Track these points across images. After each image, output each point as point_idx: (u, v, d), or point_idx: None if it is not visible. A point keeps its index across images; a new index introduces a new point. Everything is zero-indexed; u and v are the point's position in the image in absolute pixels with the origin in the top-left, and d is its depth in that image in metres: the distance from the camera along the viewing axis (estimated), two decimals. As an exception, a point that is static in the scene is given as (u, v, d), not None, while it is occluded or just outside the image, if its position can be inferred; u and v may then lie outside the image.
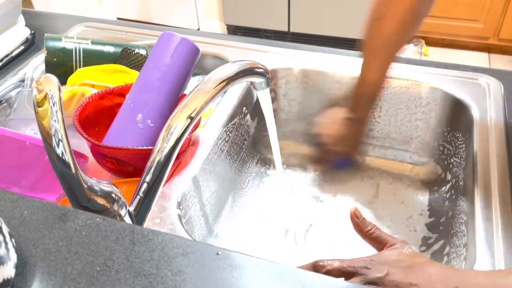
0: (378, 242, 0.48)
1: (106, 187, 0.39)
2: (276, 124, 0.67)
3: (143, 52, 0.81)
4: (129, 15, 2.89)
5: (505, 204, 0.56)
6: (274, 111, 0.66)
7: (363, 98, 0.70)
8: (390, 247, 0.47)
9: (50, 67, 0.76)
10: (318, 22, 2.38)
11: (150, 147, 0.58)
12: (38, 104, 0.35)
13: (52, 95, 0.35)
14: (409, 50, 2.45)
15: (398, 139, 0.84)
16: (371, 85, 0.69)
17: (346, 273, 0.44)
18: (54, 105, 0.35)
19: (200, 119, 0.65)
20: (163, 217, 0.56)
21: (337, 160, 0.77)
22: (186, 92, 0.66)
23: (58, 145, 0.35)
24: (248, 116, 0.81)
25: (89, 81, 0.72)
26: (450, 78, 0.78)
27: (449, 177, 0.76)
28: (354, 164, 0.81)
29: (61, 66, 0.77)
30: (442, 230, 0.70)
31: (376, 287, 0.42)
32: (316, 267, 0.46)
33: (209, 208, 0.69)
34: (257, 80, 0.57)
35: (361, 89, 0.69)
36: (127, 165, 0.60)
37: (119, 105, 0.67)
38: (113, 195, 0.39)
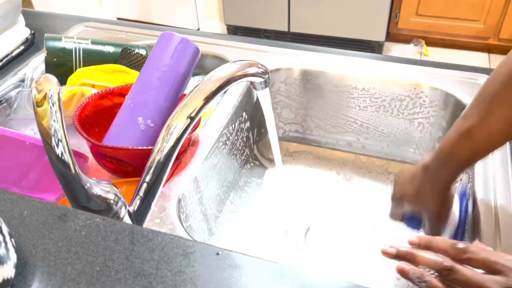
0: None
1: (106, 187, 0.39)
2: (276, 124, 0.67)
3: (143, 52, 0.81)
4: (129, 15, 2.89)
5: (505, 204, 0.56)
6: (274, 111, 0.66)
7: (454, 163, 0.52)
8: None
9: (50, 67, 0.76)
10: (318, 22, 2.38)
11: (150, 147, 0.58)
12: (38, 104, 0.35)
13: (51, 95, 0.35)
14: (409, 50, 2.45)
15: (398, 139, 0.84)
16: (478, 148, 0.50)
17: (491, 268, 0.38)
18: (53, 105, 0.35)
19: (200, 119, 0.65)
20: (163, 217, 0.56)
21: (412, 219, 0.60)
22: (186, 92, 0.66)
23: (57, 145, 0.35)
24: (248, 116, 0.81)
25: (89, 81, 0.72)
26: (450, 78, 0.78)
27: (449, 177, 0.76)
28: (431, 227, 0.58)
29: (61, 66, 0.77)
30: (442, 230, 0.70)
31: None
32: (456, 249, 0.39)
33: (209, 208, 0.69)
34: (257, 80, 0.57)
35: (458, 152, 0.51)
36: (127, 165, 0.59)
37: (119, 105, 0.67)
38: (113, 195, 0.39)
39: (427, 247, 0.41)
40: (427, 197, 0.54)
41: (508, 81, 0.47)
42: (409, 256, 0.40)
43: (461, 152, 0.51)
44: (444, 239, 0.41)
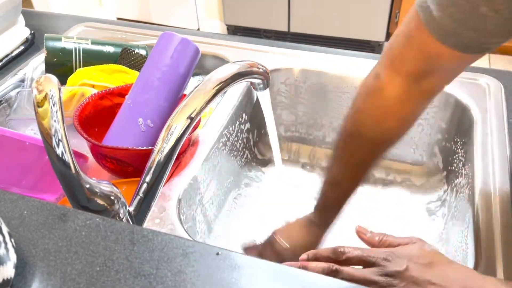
0: (393, 248, 0.48)
1: (106, 187, 0.39)
2: (276, 124, 0.67)
3: (143, 52, 0.81)
4: (129, 15, 2.89)
5: (505, 204, 0.56)
6: (274, 111, 0.66)
7: (333, 203, 0.60)
8: (411, 244, 0.47)
9: (50, 67, 0.76)
10: (318, 22, 2.38)
11: (150, 147, 0.58)
12: (38, 104, 0.35)
13: (52, 95, 0.35)
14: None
15: (398, 139, 0.84)
16: (344, 191, 0.58)
17: (366, 262, 0.44)
18: (54, 105, 0.35)
19: (200, 119, 0.65)
20: (163, 217, 0.56)
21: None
22: (186, 92, 0.66)
23: (58, 145, 0.35)
24: (248, 116, 0.81)
25: (89, 81, 0.72)
26: (450, 78, 0.78)
27: (449, 177, 0.76)
28: None
29: (61, 66, 0.77)
30: (442, 230, 0.70)
31: (393, 280, 0.42)
32: (336, 253, 0.46)
33: (209, 208, 0.69)
34: (257, 80, 0.57)
35: (332, 194, 0.59)
36: (127, 165, 0.59)
37: (119, 105, 0.67)
38: (113, 196, 0.39)
39: (315, 258, 0.47)
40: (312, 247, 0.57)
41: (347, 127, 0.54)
42: (303, 267, 0.47)
43: (330, 193, 0.59)
44: (325, 248, 0.47)
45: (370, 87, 0.51)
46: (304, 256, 0.49)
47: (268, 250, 0.62)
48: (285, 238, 0.62)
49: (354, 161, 0.55)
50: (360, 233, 0.51)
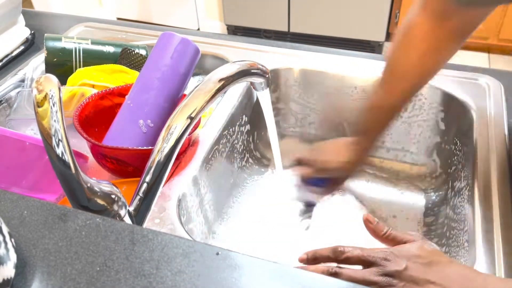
0: (397, 242, 0.48)
1: (106, 187, 0.39)
2: (276, 124, 0.67)
3: (143, 52, 0.81)
4: (129, 15, 2.89)
5: (505, 204, 0.56)
6: (274, 111, 0.66)
7: (377, 125, 0.62)
8: (411, 242, 0.47)
9: (50, 67, 0.76)
10: (318, 22, 2.38)
11: (150, 147, 0.58)
12: (38, 104, 0.35)
13: (52, 95, 0.35)
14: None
15: (397, 138, 0.84)
16: (389, 112, 0.61)
17: (365, 262, 0.44)
18: (54, 105, 0.35)
19: (200, 119, 0.65)
20: (163, 217, 0.56)
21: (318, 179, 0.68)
22: (186, 92, 0.66)
23: (58, 145, 0.35)
24: (248, 117, 0.81)
25: (89, 81, 0.72)
26: (450, 78, 0.78)
27: (448, 177, 0.76)
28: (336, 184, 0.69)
29: (61, 66, 0.77)
30: (442, 230, 0.70)
31: (392, 280, 0.42)
32: (336, 252, 0.46)
33: (209, 208, 0.69)
34: (257, 80, 0.57)
35: (377, 115, 0.61)
36: (127, 165, 0.60)
37: (119, 105, 0.67)
38: (113, 195, 0.39)
39: (314, 258, 0.48)
40: (350, 167, 0.64)
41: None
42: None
43: (372, 123, 0.62)
44: (325, 248, 0.48)
45: (404, 23, 0.57)
46: (303, 256, 0.49)
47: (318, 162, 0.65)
48: (326, 155, 0.65)
49: (396, 89, 0.59)
50: (367, 222, 0.51)
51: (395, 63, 0.58)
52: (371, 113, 0.62)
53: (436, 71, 0.59)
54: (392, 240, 0.48)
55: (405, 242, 0.48)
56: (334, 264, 0.47)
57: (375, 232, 0.50)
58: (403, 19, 0.58)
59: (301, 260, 0.49)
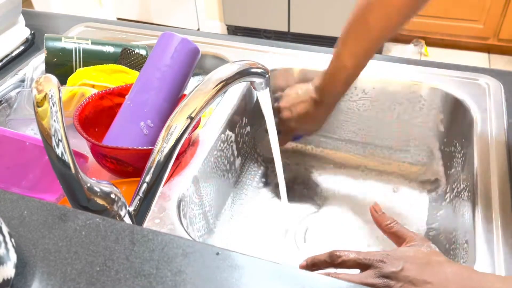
0: (398, 237, 0.49)
1: (106, 187, 0.39)
2: (276, 124, 0.67)
3: (143, 52, 0.81)
4: (129, 15, 2.89)
5: (505, 204, 0.56)
6: (274, 111, 0.66)
7: (338, 84, 0.68)
8: (408, 244, 0.47)
9: (50, 67, 0.76)
10: (318, 22, 2.38)
11: (150, 147, 0.58)
12: (38, 104, 0.35)
13: (51, 95, 0.35)
14: (409, 50, 2.45)
15: (397, 139, 0.84)
16: (349, 72, 0.66)
17: (362, 265, 0.45)
18: (53, 105, 0.35)
19: (200, 119, 0.65)
20: (163, 217, 0.56)
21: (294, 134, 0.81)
22: (186, 92, 0.66)
23: (58, 145, 0.35)
24: (248, 117, 0.81)
25: (89, 81, 0.72)
26: (450, 78, 0.78)
27: (448, 177, 0.76)
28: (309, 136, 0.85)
29: (61, 66, 0.77)
30: (442, 230, 0.70)
31: (389, 281, 0.42)
32: (332, 257, 0.47)
33: (209, 208, 0.69)
34: (257, 80, 0.57)
35: (337, 75, 0.67)
36: (127, 165, 0.60)
37: (119, 105, 0.67)
38: (113, 195, 0.39)
39: (313, 264, 0.48)
40: (316, 118, 0.74)
41: (358, 14, 0.64)
42: None
43: (338, 74, 0.67)
44: (322, 254, 0.48)
45: None
46: (303, 263, 0.50)
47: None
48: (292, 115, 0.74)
49: (360, 46, 0.64)
50: (372, 210, 0.52)
51: (360, 20, 0.64)
52: (335, 73, 0.67)
53: (402, 25, 0.63)
54: (393, 233, 0.49)
55: (405, 239, 0.48)
56: (333, 271, 0.47)
57: (378, 222, 0.51)
58: None
59: (302, 267, 0.50)
